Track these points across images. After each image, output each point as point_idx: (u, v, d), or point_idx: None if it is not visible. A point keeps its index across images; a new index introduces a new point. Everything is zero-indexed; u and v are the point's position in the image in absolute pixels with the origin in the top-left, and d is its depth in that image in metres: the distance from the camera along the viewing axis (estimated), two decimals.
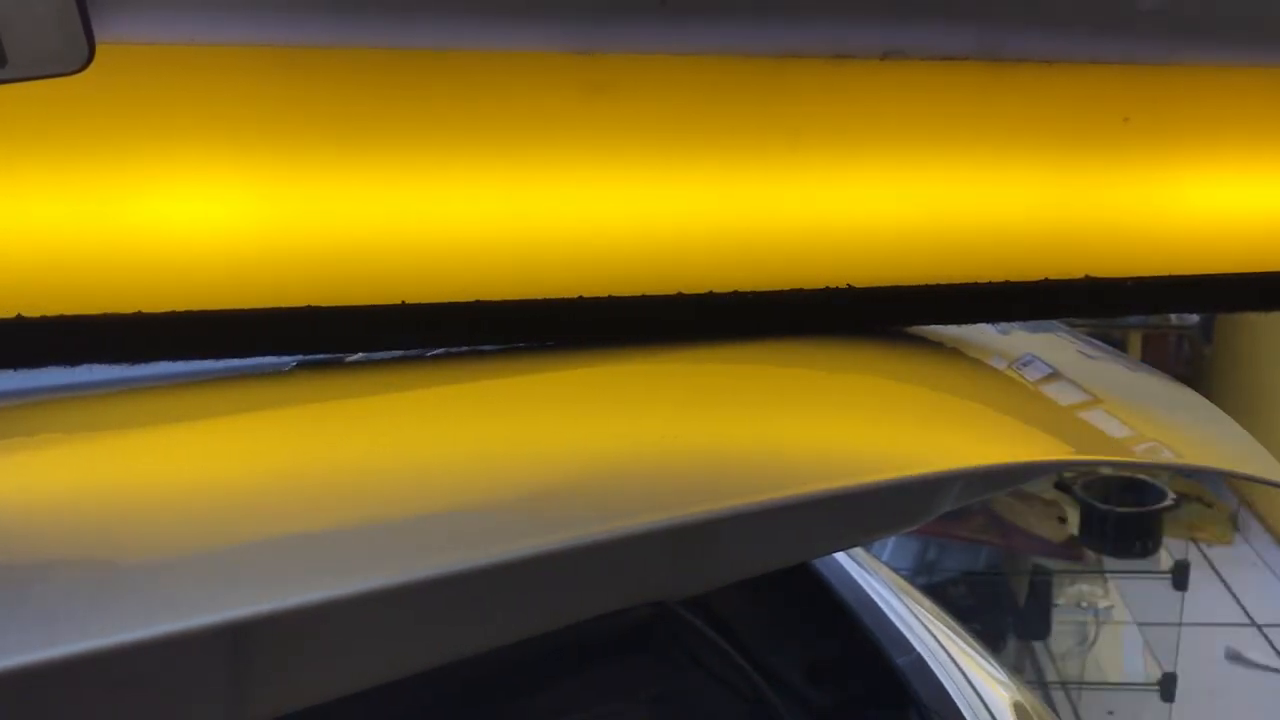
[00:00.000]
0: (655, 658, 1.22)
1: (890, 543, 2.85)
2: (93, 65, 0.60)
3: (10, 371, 0.74)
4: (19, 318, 0.71)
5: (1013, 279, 0.89)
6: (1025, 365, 0.94)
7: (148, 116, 0.70)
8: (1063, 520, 2.94)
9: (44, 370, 0.75)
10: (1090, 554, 2.93)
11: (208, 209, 0.72)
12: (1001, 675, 1.30)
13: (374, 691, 0.83)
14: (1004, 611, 2.86)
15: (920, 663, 1.23)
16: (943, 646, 1.29)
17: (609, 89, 0.76)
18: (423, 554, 0.50)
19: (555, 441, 0.67)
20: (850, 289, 0.85)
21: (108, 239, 0.71)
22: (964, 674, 1.25)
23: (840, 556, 1.41)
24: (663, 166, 0.79)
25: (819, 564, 1.36)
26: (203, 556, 0.51)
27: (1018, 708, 1.24)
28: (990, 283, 0.88)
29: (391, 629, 0.53)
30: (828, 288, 0.85)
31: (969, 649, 1.32)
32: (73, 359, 0.74)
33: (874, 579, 1.37)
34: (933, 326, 0.94)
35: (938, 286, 0.87)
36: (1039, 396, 0.90)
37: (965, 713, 1.17)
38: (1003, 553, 2.86)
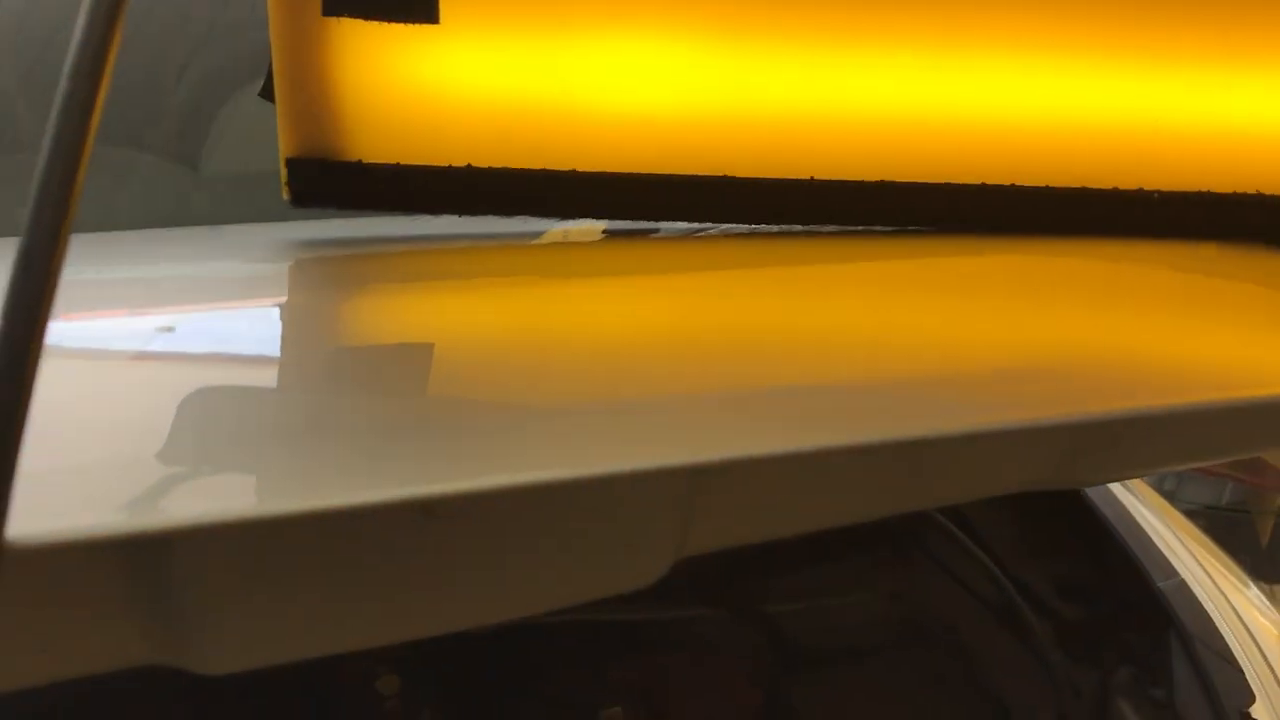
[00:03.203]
0: (900, 555, 1.23)
1: None
2: None
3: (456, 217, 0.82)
4: (469, 167, 0.78)
5: None
6: None
7: None
8: None
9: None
10: None
11: (637, 78, 0.78)
12: (1271, 609, 1.27)
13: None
14: (1245, 552, 2.74)
15: (1182, 586, 1.21)
16: (1208, 574, 1.25)
17: None
18: (850, 424, 0.52)
19: (949, 329, 0.69)
20: (1259, 195, 0.82)
21: (549, 100, 0.78)
22: (1229, 602, 1.22)
23: None
24: (1041, 62, 0.81)
25: None
26: (650, 401, 0.54)
27: None
28: None
29: (801, 490, 0.54)
30: (1236, 192, 0.82)
31: (1235, 580, 1.28)
32: (511, 209, 0.81)
33: (1138, 500, 1.34)
34: None
35: None
36: None
37: (1229, 639, 1.15)
38: (1250, 490, 2.74)
